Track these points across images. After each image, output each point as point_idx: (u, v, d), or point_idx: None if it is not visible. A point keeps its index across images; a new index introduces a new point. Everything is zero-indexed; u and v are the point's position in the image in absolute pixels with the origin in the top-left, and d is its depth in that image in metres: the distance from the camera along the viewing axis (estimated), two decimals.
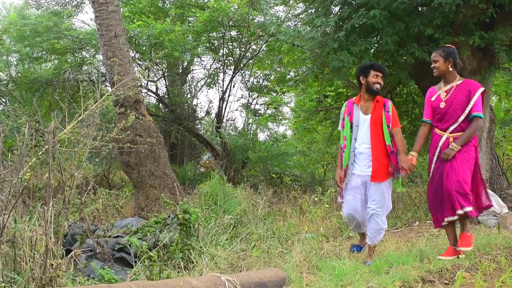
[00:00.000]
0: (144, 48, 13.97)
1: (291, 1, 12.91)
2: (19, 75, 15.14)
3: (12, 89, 15.02)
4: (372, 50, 8.89)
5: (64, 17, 14.69)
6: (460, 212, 4.80)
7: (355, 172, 5.53)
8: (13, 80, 14.91)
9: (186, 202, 5.11)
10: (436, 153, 5.09)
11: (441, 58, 5.07)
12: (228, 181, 8.99)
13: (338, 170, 5.71)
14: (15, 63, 15.39)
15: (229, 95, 15.67)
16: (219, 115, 15.57)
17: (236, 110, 18.66)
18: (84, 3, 16.59)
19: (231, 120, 17.18)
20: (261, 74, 17.34)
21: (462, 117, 4.95)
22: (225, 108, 15.71)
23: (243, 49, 15.28)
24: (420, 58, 7.99)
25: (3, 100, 15.49)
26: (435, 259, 4.84)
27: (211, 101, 22.23)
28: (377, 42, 8.69)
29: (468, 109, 4.92)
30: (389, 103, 5.48)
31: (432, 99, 5.18)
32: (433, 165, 5.14)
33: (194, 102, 16.91)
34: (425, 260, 4.90)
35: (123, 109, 6.63)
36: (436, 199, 5.09)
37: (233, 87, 16.15)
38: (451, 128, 5.00)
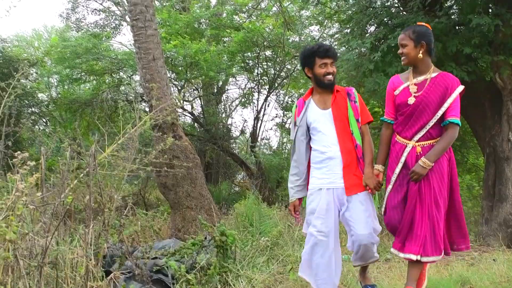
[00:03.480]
0: (180, 68, 14.16)
1: (325, 21, 12.92)
2: (59, 96, 15.54)
3: (53, 109, 15.41)
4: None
5: (103, 39, 15.06)
6: (417, 258, 3.79)
7: (322, 185, 4.09)
8: (53, 101, 15.30)
9: (223, 224, 5.13)
10: (398, 169, 3.90)
11: (411, 41, 3.88)
12: (263, 201, 9.01)
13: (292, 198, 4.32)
14: (56, 84, 15.80)
15: (263, 115, 15.72)
16: (254, 135, 15.62)
17: (271, 129, 18.69)
18: (122, 25, 17.00)
19: (266, 139, 17.23)
20: (296, 94, 17.36)
21: (433, 122, 3.80)
22: (260, 127, 15.76)
23: (278, 68, 15.35)
24: (458, 77, 7.88)
25: (44, 120, 15.88)
26: (477, 284, 4.72)
27: (245, 120, 22.36)
28: None
29: (441, 111, 3.78)
30: (354, 91, 4.23)
31: (396, 92, 3.97)
32: (391, 186, 3.96)
33: (229, 121, 17.04)
34: (467, 286, 4.79)
35: (160, 133, 6.73)
36: (399, 228, 3.89)
37: (268, 106, 16.21)
38: (418, 136, 3.84)
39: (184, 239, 6.66)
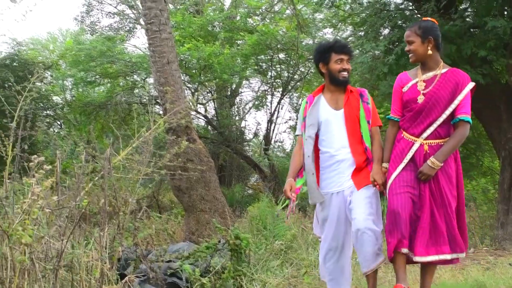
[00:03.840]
0: (194, 71, 14.21)
1: (339, 24, 12.88)
2: (73, 98, 15.65)
3: (67, 112, 15.52)
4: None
5: (117, 42, 15.15)
6: (447, 257, 3.64)
7: (332, 189, 3.98)
8: (68, 104, 15.41)
9: (237, 227, 5.13)
10: (402, 165, 3.70)
11: (418, 37, 3.71)
12: (276, 204, 8.98)
13: (289, 178, 4.08)
14: (70, 87, 15.92)
15: (277, 117, 15.76)
16: (267, 137, 15.63)
17: (284, 132, 18.68)
18: (136, 28, 17.10)
19: (279, 142, 17.24)
20: None
21: (442, 119, 3.64)
22: (273, 130, 15.79)
23: (291, 71, 15.34)
24: (473, 80, 7.82)
25: (58, 123, 16.00)
26: None
27: (259, 123, 22.29)
28: None
29: (451, 108, 3.62)
30: (366, 93, 4.10)
31: (405, 89, 3.81)
32: (392, 179, 3.73)
33: (242, 124, 17.09)
34: None
35: (174, 136, 6.75)
36: (401, 222, 3.59)
37: (281, 109, 16.22)
38: (426, 134, 3.66)
39: (198, 242, 6.67)
